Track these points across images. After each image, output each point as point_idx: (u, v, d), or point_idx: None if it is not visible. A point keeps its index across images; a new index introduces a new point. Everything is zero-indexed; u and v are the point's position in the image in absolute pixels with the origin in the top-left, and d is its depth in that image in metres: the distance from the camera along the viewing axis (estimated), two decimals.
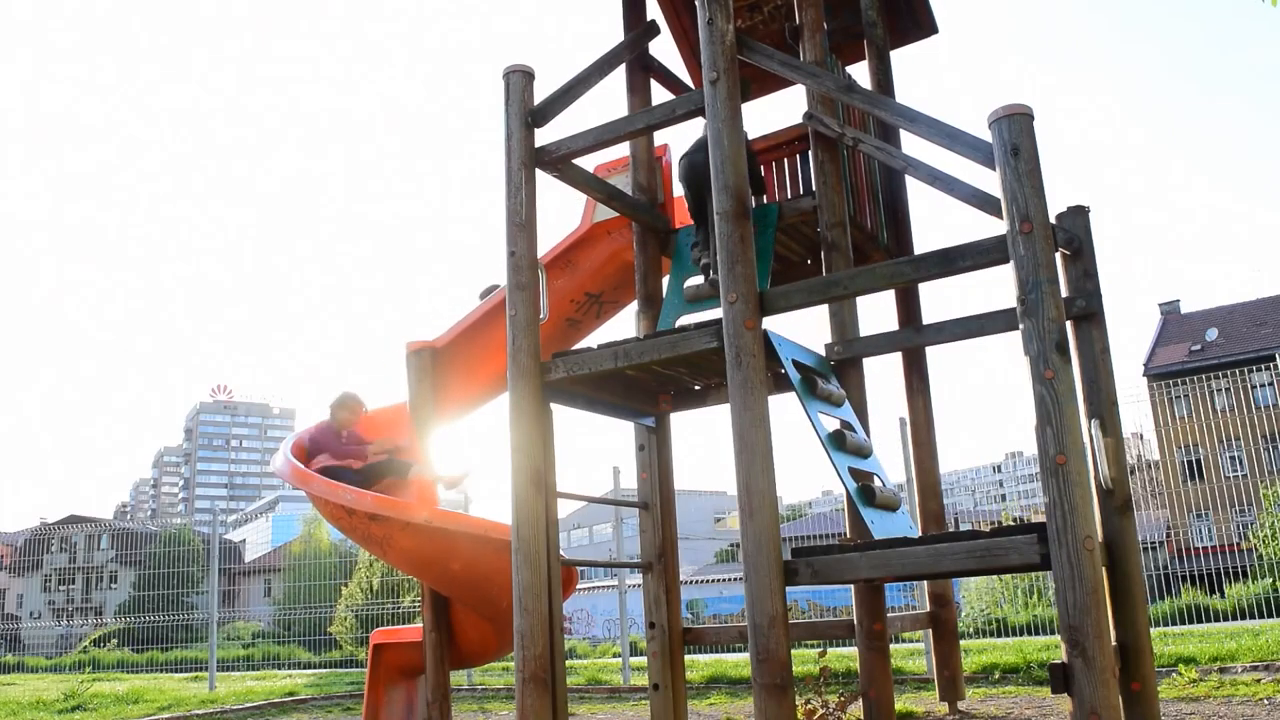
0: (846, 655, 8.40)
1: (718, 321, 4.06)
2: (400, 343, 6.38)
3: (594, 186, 5.23)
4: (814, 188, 5.18)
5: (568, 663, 7.18)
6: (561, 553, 4.69)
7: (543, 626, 4.27)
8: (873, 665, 4.54)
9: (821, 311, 4.97)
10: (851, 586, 4.67)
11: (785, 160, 5.80)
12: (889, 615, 4.73)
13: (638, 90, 5.86)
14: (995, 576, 13.73)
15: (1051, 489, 3.24)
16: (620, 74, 5.65)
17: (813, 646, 8.74)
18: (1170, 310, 46.56)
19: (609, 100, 5.68)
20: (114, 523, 53.68)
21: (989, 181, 3.74)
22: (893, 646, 7.12)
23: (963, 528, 6.62)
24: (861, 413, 4.71)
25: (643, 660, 6.49)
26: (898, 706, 5.99)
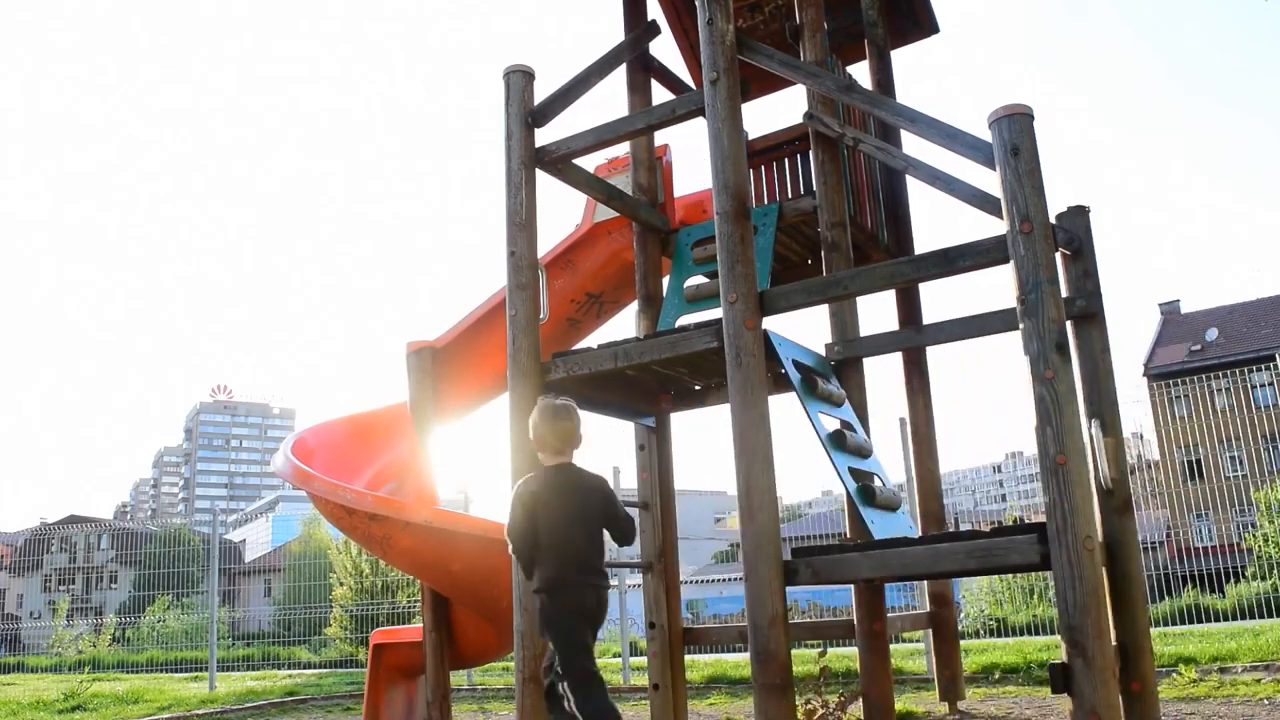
0: (846, 655, 8.40)
1: (718, 321, 4.06)
2: (400, 343, 6.38)
3: (594, 186, 5.23)
4: (814, 188, 5.18)
5: None
6: None
7: None
8: (873, 665, 4.54)
9: (821, 311, 4.97)
10: (851, 586, 4.67)
11: (785, 160, 5.80)
12: (889, 615, 4.72)
13: (638, 90, 5.86)
14: (995, 576, 13.72)
15: (1051, 489, 3.24)
16: (620, 74, 5.65)
17: (813, 646, 8.73)
18: (1170, 310, 46.56)
19: (609, 100, 5.69)
20: (114, 523, 53.68)
21: (989, 181, 3.74)
22: (893, 646, 7.11)
23: (963, 528, 6.62)
24: (861, 413, 4.71)
25: (643, 660, 6.49)
26: (898, 706, 5.98)
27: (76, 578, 52.01)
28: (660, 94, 5.95)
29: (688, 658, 6.45)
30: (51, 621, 22.79)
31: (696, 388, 5.48)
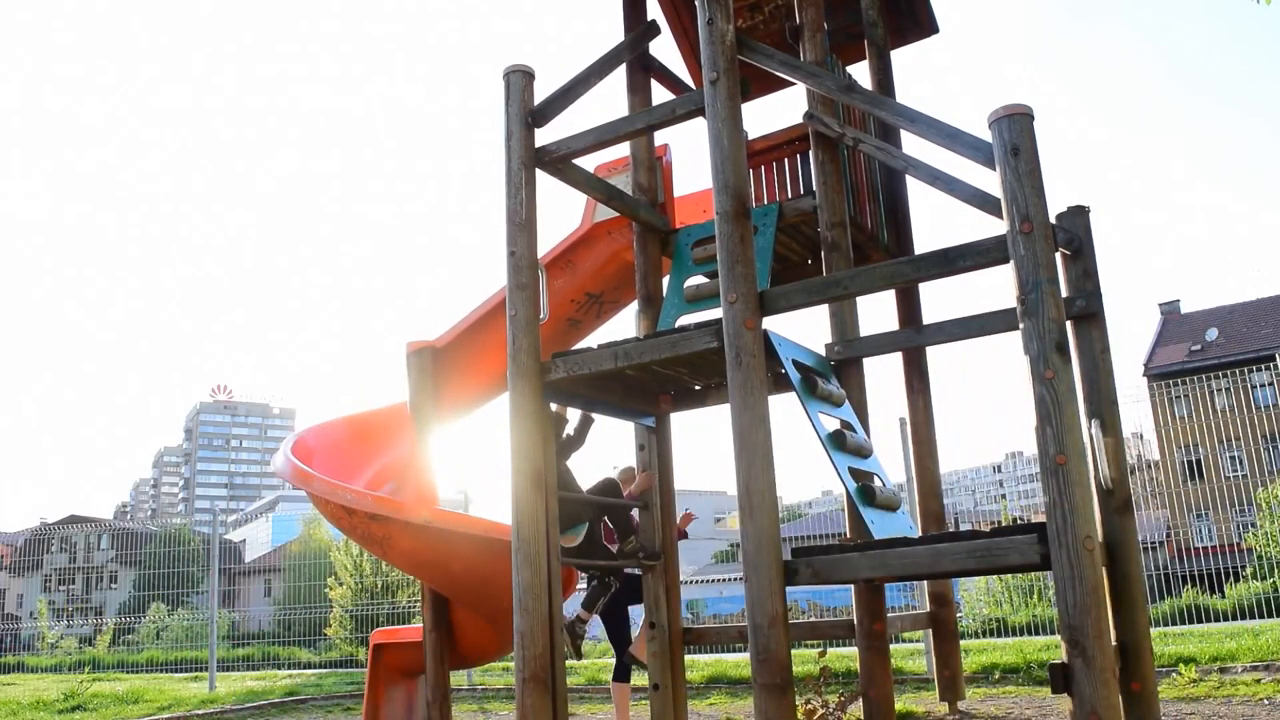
0: (846, 655, 8.41)
1: (718, 321, 4.06)
2: (400, 343, 6.38)
3: (594, 186, 5.23)
4: (814, 188, 5.18)
5: (568, 663, 7.18)
6: None
7: (543, 626, 4.27)
8: (873, 665, 4.54)
9: (821, 311, 4.97)
10: (851, 586, 4.68)
11: (785, 160, 5.80)
12: (889, 615, 4.73)
13: (638, 90, 5.86)
14: (995, 576, 13.72)
15: (1051, 489, 3.24)
16: (620, 74, 5.65)
17: (813, 646, 8.74)
18: (1170, 310, 46.54)
19: (609, 100, 5.69)
20: (114, 523, 53.69)
21: (989, 181, 3.74)
22: (893, 646, 7.12)
23: (963, 528, 6.62)
24: (861, 413, 4.71)
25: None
26: (898, 706, 5.99)
27: (76, 578, 52.04)
28: (660, 94, 5.95)
29: (688, 658, 6.46)
30: (36, 623, 22.77)
31: (696, 388, 5.48)
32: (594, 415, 5.48)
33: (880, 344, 5.13)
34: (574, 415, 5.56)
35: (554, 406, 4.90)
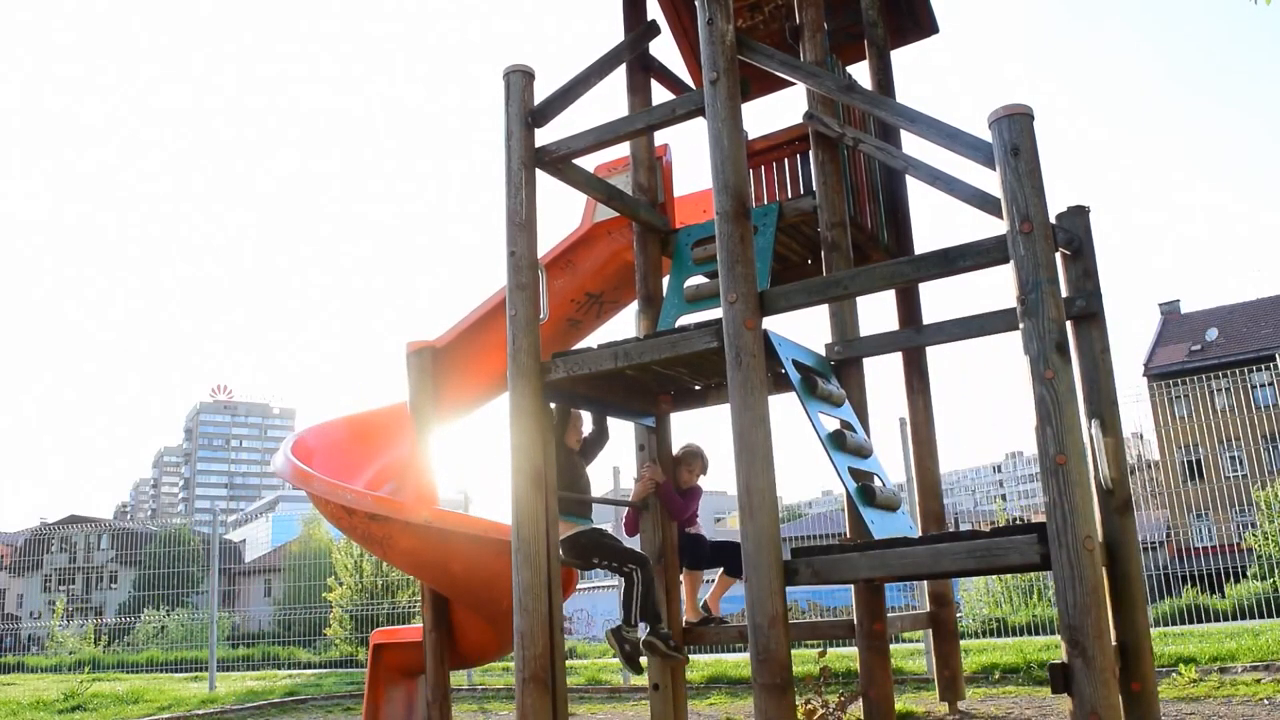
0: (846, 655, 8.40)
1: (718, 321, 4.06)
2: (400, 343, 6.37)
3: (594, 186, 5.23)
4: (814, 188, 5.18)
5: (568, 663, 7.18)
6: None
7: (543, 626, 4.27)
8: (873, 665, 4.54)
9: (821, 311, 4.97)
10: (851, 586, 4.67)
11: (785, 160, 5.80)
12: (889, 615, 4.73)
13: (638, 90, 5.86)
14: (995, 576, 13.71)
15: (1051, 489, 3.24)
16: (620, 74, 5.65)
17: (813, 646, 8.74)
18: (1170, 310, 46.54)
19: (610, 100, 5.69)
20: (114, 523, 53.68)
21: (989, 181, 3.74)
22: (893, 646, 7.11)
23: (963, 528, 6.62)
24: (861, 413, 4.71)
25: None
26: (898, 706, 5.98)
27: (76, 578, 52.01)
28: (660, 94, 5.95)
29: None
30: (49, 623, 22.76)
31: (696, 388, 5.48)
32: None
33: (880, 344, 5.13)
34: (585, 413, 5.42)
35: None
